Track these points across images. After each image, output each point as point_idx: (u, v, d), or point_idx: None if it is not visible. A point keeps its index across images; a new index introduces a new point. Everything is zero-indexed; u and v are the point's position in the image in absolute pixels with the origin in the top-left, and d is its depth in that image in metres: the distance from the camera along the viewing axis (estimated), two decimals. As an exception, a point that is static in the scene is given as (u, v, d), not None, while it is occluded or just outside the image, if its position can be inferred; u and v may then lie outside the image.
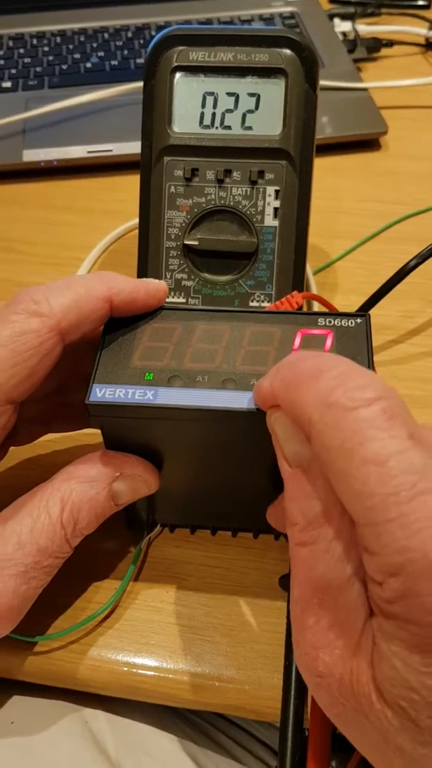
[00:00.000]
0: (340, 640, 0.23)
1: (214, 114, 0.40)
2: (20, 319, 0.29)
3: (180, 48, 0.40)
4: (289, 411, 0.25)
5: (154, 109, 0.41)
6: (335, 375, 0.23)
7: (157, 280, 0.32)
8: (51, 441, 0.40)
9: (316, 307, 0.48)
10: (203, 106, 0.40)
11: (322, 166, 0.41)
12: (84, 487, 0.30)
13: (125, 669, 0.33)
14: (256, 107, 0.40)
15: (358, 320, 0.31)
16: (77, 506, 0.30)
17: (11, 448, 0.36)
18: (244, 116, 0.40)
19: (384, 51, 0.75)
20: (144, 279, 0.32)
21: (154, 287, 0.31)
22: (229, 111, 0.40)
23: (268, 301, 0.42)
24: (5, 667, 0.33)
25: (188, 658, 0.33)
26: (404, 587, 0.20)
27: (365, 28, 0.77)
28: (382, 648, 0.21)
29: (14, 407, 0.30)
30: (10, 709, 0.35)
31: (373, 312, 0.43)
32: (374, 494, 0.20)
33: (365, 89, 0.66)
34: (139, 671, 0.33)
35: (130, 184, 0.50)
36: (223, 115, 0.40)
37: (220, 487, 0.34)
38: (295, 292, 0.37)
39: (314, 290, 0.50)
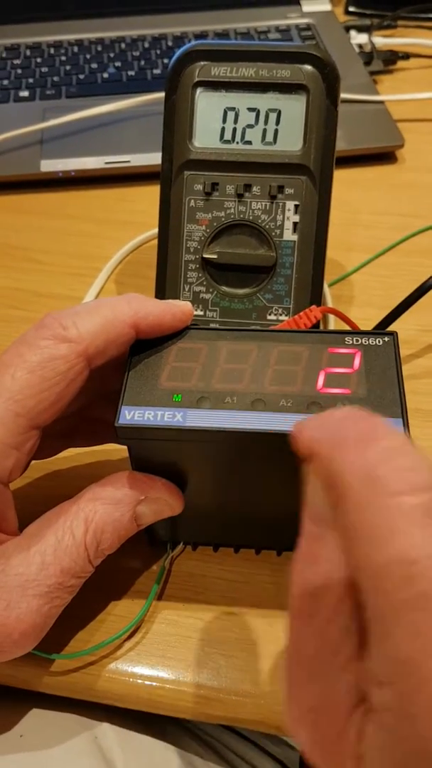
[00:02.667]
0: (320, 725, 0.21)
1: (234, 129, 0.41)
2: (49, 345, 0.29)
3: (202, 63, 0.40)
4: (324, 468, 0.22)
5: (175, 123, 0.41)
6: (387, 447, 0.21)
7: (183, 302, 0.32)
8: (73, 454, 0.40)
9: (333, 320, 0.48)
10: (224, 121, 0.41)
11: (338, 178, 0.42)
12: (109, 509, 0.30)
13: (142, 682, 0.33)
14: (277, 123, 0.40)
15: (386, 339, 0.31)
16: (101, 528, 0.30)
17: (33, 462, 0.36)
18: (264, 132, 0.41)
19: (400, 63, 0.75)
20: (170, 301, 0.32)
21: (180, 310, 0.31)
22: (249, 126, 0.41)
23: (286, 315, 0.42)
24: (25, 678, 0.34)
25: (205, 672, 0.33)
26: (397, 699, 0.18)
27: (381, 40, 0.77)
28: (374, 755, 0.19)
29: (39, 432, 0.30)
30: (21, 723, 0.35)
31: (389, 327, 0.44)
32: (390, 594, 0.19)
33: (382, 102, 0.66)
34: (157, 684, 0.33)
35: (148, 194, 0.50)
36: (243, 130, 0.41)
37: (245, 506, 0.34)
38: (313, 307, 0.38)
39: (330, 302, 0.50)
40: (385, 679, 0.19)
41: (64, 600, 0.30)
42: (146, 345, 0.31)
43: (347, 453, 0.21)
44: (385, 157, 0.63)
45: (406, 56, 0.75)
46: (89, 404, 0.36)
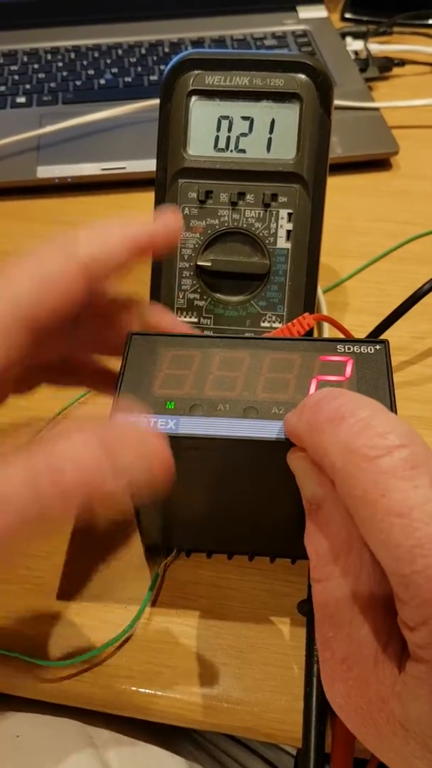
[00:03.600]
0: (353, 672, 0.23)
1: (228, 137, 0.41)
2: (51, 249, 0.30)
3: (196, 72, 0.41)
4: (312, 453, 0.25)
5: (170, 131, 0.41)
6: (357, 420, 0.23)
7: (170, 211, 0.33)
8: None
9: (327, 327, 0.48)
10: (218, 129, 0.41)
11: (332, 185, 0.42)
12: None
13: (135, 689, 0.33)
14: (271, 131, 0.41)
15: (377, 347, 0.31)
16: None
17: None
18: (258, 140, 0.41)
19: (396, 70, 0.75)
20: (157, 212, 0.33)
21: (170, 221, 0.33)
22: (243, 135, 0.41)
23: (280, 322, 0.42)
24: (17, 684, 0.34)
25: (198, 679, 0.33)
26: (430, 635, 0.20)
27: (377, 47, 0.77)
28: (411, 688, 0.21)
29: (34, 337, 0.30)
30: (16, 724, 0.35)
31: (383, 334, 0.44)
32: (399, 545, 0.21)
33: (377, 109, 0.67)
34: (149, 691, 0.33)
35: (143, 201, 0.50)
36: (237, 138, 0.41)
37: (238, 513, 0.34)
38: (306, 314, 0.38)
39: (324, 309, 0.51)
40: (415, 623, 0.21)
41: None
42: (141, 347, 0.31)
43: (326, 435, 0.23)
44: (379, 163, 0.63)
45: (402, 63, 0.76)
46: (74, 338, 0.35)
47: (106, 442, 0.25)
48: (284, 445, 0.28)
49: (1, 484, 0.24)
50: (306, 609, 0.33)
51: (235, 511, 0.34)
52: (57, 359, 0.36)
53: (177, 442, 0.28)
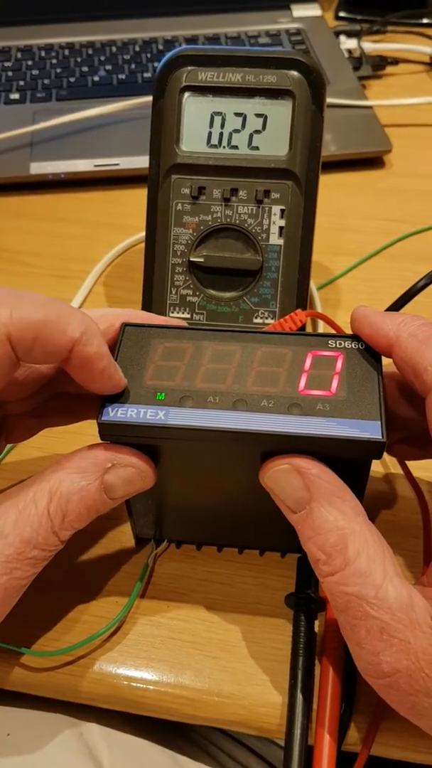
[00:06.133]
0: (395, 639, 0.25)
1: (221, 134, 0.41)
2: None
3: (189, 68, 0.41)
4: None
5: (163, 127, 0.41)
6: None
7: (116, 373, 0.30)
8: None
9: (321, 323, 0.48)
10: (211, 125, 0.41)
11: (326, 183, 0.42)
12: (74, 478, 0.29)
13: (126, 683, 0.33)
14: (263, 128, 0.41)
15: None
16: (65, 497, 0.29)
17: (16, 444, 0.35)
18: (251, 136, 0.41)
19: (389, 69, 0.76)
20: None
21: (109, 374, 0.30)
22: (236, 131, 0.41)
23: (272, 318, 0.42)
24: (4, 677, 0.34)
25: (188, 673, 0.33)
26: None
27: (371, 45, 0.77)
28: None
29: None
30: (6, 721, 0.35)
31: (375, 331, 0.44)
32: None
33: (370, 107, 0.67)
34: (140, 685, 0.33)
35: (137, 197, 0.50)
36: (230, 135, 0.41)
37: (228, 506, 0.34)
38: (298, 310, 0.38)
39: (318, 305, 0.51)
40: None
41: (26, 573, 0.29)
42: (134, 337, 0.32)
43: None
44: (372, 162, 0.64)
45: (395, 61, 0.76)
46: (57, 380, 0.35)
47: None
48: (273, 437, 0.28)
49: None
50: (293, 602, 0.33)
51: (224, 504, 0.34)
52: (44, 402, 0.36)
53: (166, 433, 0.29)
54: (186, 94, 0.41)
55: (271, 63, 0.40)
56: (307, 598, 0.33)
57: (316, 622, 0.33)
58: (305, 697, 0.31)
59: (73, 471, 0.29)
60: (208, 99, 0.41)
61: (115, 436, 0.30)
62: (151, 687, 0.33)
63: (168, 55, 0.41)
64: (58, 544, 0.30)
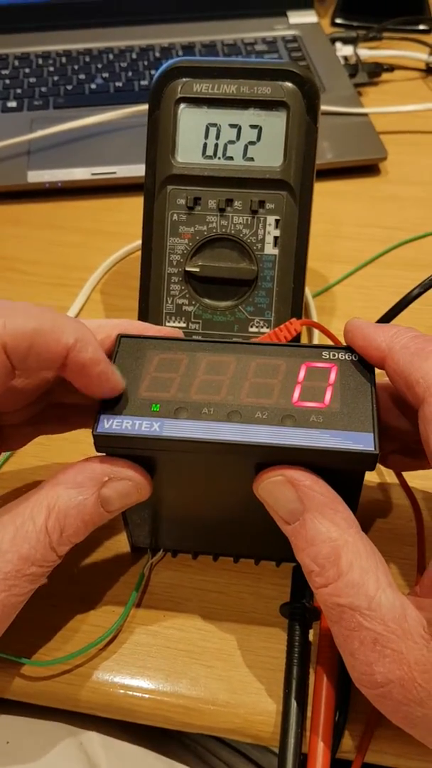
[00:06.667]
0: (388, 649, 0.25)
1: (216, 145, 0.41)
2: None
3: (184, 80, 0.41)
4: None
5: (158, 138, 0.42)
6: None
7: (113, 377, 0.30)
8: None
9: (316, 334, 0.48)
10: (206, 136, 0.41)
11: (321, 190, 0.42)
12: (71, 493, 0.29)
13: (122, 692, 0.33)
14: (258, 139, 0.41)
15: None
16: (63, 513, 0.29)
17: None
18: (245, 147, 0.41)
19: (385, 76, 0.76)
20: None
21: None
22: (231, 142, 0.41)
23: (267, 327, 0.43)
24: (3, 687, 0.34)
25: (184, 681, 0.33)
26: None
27: (367, 52, 0.78)
28: None
29: None
30: (5, 730, 0.35)
31: (370, 339, 0.44)
32: None
33: (366, 114, 0.67)
34: (136, 694, 0.33)
35: (134, 206, 0.51)
36: (225, 146, 0.41)
37: (224, 515, 0.34)
38: (293, 319, 0.38)
39: (314, 313, 0.51)
40: None
41: (25, 589, 0.29)
42: (129, 350, 0.32)
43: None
44: (368, 169, 0.64)
45: (391, 68, 0.76)
46: (54, 389, 0.35)
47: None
48: (267, 449, 0.28)
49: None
50: (288, 611, 0.34)
51: (219, 513, 0.34)
52: (40, 410, 0.36)
53: (161, 445, 0.29)
54: (181, 106, 0.41)
55: (266, 74, 0.40)
56: (301, 608, 0.33)
57: (311, 631, 0.34)
58: (299, 705, 0.31)
59: (70, 486, 0.29)
60: (203, 110, 0.41)
61: (110, 447, 0.30)
62: (146, 695, 0.33)
63: (163, 66, 0.41)
64: (55, 560, 0.30)
